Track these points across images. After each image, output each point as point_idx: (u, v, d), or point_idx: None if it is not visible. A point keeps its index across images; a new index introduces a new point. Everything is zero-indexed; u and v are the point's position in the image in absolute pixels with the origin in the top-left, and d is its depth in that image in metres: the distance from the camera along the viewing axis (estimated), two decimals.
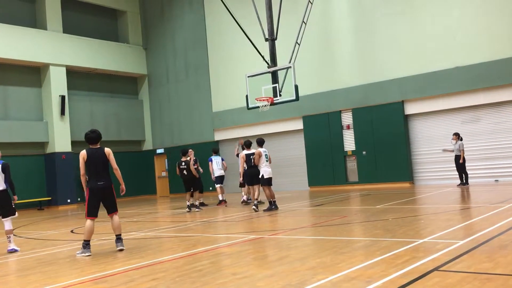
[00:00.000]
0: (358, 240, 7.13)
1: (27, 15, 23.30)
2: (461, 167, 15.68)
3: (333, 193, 16.89)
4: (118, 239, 7.73)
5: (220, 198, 15.53)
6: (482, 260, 5.12)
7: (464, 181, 15.70)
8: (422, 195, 13.94)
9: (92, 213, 7.60)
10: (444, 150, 16.32)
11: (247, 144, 13.53)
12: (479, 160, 16.90)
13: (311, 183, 20.44)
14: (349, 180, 19.69)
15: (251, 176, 13.19)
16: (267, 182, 12.46)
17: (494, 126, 16.71)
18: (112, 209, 7.75)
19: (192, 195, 14.29)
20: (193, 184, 14.32)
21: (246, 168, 13.45)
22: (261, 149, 12.74)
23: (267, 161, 12.69)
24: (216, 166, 15.84)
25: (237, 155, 15.64)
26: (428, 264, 5.08)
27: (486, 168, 16.74)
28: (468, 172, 16.13)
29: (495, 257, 5.18)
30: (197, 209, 14.22)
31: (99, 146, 7.80)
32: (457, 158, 15.79)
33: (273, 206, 12.38)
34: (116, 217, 7.75)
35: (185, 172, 14.22)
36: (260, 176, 12.53)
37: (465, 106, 17.13)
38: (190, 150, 15.10)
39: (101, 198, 7.63)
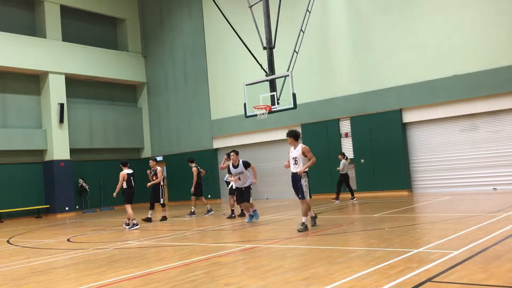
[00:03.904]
0: (353, 250, 7.10)
1: (26, 24, 23.40)
2: (340, 184, 16.67)
3: (331, 201, 16.85)
4: None
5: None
6: (476, 271, 5.09)
7: (336, 196, 16.71)
8: (420, 204, 13.91)
9: None
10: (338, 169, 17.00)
11: (124, 163, 13.29)
12: (477, 168, 16.88)
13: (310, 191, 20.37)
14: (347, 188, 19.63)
15: (131, 196, 13.13)
16: (234, 192, 13.15)
17: (492, 135, 16.71)
18: None
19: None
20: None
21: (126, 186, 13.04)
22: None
23: None
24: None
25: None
26: (422, 275, 5.05)
27: (484, 177, 16.72)
28: (466, 180, 16.17)
29: (489, 268, 5.15)
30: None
31: None
32: (343, 176, 16.62)
33: (233, 214, 13.42)
34: None
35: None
36: (229, 186, 13.61)
37: (463, 114, 17.14)
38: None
39: None
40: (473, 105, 16.83)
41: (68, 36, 24.15)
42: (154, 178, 14.43)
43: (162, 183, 14.65)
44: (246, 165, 12.06)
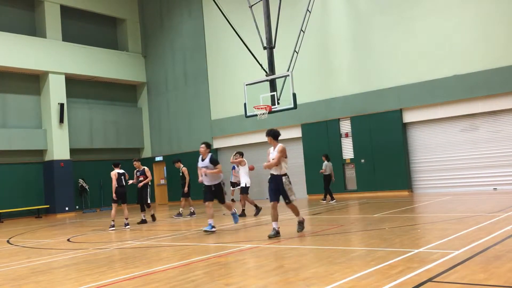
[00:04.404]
0: (354, 250, 7.10)
1: (26, 24, 23.39)
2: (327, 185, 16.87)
3: (328, 203, 16.83)
4: None
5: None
6: (476, 271, 5.09)
7: (331, 198, 16.78)
8: (420, 204, 13.90)
9: None
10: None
11: (115, 164, 13.64)
12: (478, 168, 16.88)
13: (310, 191, 20.41)
14: (348, 188, 19.66)
15: (122, 196, 13.38)
16: (247, 190, 13.74)
17: (492, 135, 16.71)
18: None
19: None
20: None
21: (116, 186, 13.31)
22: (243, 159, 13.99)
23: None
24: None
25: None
26: (422, 275, 5.05)
27: (485, 177, 16.72)
28: (467, 180, 16.20)
29: (489, 268, 5.15)
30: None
31: None
32: (326, 177, 16.79)
33: (242, 214, 13.48)
34: None
35: None
36: (243, 185, 13.73)
37: (463, 114, 17.14)
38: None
39: None
40: (473, 105, 16.83)
41: (68, 36, 24.14)
42: (142, 178, 14.14)
43: (149, 183, 14.40)
44: (214, 162, 10.61)
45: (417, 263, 5.69)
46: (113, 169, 13.57)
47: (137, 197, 14.38)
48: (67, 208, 22.71)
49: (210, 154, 10.69)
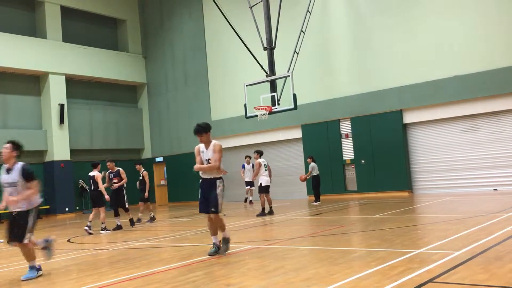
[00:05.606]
0: (355, 251, 7.10)
1: (27, 24, 23.39)
2: (316, 186, 17.05)
3: (332, 202, 16.84)
4: None
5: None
6: (477, 271, 5.08)
7: (316, 199, 16.99)
8: (420, 204, 13.89)
9: None
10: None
11: (92, 164, 13.65)
12: (478, 169, 16.87)
13: (310, 191, 20.36)
14: (348, 189, 19.65)
15: (92, 199, 13.43)
16: (265, 190, 13.80)
17: (493, 135, 16.70)
18: None
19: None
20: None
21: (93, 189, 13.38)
22: (260, 160, 13.88)
23: (266, 170, 13.94)
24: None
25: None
26: (423, 276, 5.04)
27: (485, 177, 16.70)
28: (467, 181, 16.22)
29: (490, 268, 5.14)
30: None
31: None
32: (314, 178, 17.00)
33: (269, 212, 13.65)
34: None
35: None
36: (258, 184, 13.88)
37: (463, 115, 17.12)
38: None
39: None
40: (474, 106, 16.82)
41: (68, 37, 24.14)
42: (116, 181, 13.23)
43: (125, 186, 13.40)
44: (28, 177, 6.79)
45: (417, 263, 5.69)
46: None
47: (111, 201, 13.23)
48: (67, 209, 22.71)
49: (21, 163, 6.87)
